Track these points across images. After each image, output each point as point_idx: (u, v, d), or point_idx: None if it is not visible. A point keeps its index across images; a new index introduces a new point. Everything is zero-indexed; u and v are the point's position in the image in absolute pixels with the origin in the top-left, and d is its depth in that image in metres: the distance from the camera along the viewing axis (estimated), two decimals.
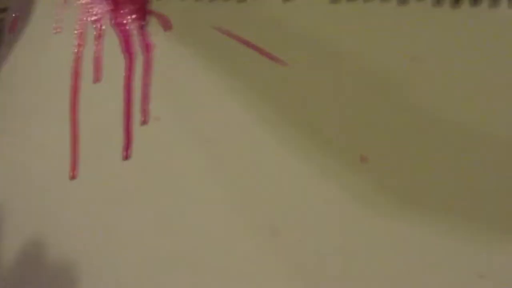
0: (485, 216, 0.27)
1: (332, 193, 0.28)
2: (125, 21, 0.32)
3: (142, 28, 0.32)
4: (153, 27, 0.32)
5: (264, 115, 0.29)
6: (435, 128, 0.28)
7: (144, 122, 0.30)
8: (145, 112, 0.30)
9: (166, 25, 0.32)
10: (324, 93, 0.29)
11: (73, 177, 0.31)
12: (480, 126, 0.27)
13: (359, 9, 0.30)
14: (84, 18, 0.33)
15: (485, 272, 0.26)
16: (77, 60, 0.32)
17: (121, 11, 0.32)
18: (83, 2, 0.33)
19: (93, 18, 0.33)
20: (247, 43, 0.30)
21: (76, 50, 0.32)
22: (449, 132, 0.28)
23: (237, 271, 0.28)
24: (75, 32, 0.33)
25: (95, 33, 0.32)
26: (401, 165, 0.27)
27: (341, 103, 0.29)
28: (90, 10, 0.33)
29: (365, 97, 0.29)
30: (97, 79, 0.32)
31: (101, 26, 0.33)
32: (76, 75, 0.32)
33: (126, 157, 0.30)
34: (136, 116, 0.31)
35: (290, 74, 0.29)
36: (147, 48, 0.32)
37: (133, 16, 0.32)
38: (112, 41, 0.32)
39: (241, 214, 0.28)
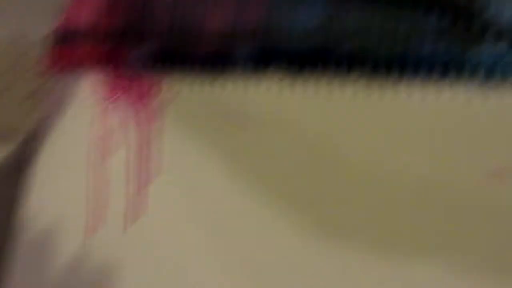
0: None
1: None
2: (137, 100, 0.41)
3: (149, 104, 0.40)
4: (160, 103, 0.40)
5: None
6: None
7: None
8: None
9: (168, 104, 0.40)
10: None
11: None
12: None
13: None
14: (105, 98, 0.42)
15: None
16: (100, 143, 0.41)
17: (138, 92, 0.41)
18: (103, 82, 0.42)
19: (113, 97, 0.41)
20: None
21: (96, 131, 0.41)
22: None
23: None
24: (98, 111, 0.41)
25: (114, 114, 0.41)
26: None
27: None
28: (110, 90, 0.41)
29: None
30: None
31: (120, 106, 0.41)
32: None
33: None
34: None
35: None
36: (152, 120, 0.40)
37: (143, 97, 0.41)
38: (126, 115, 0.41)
39: None
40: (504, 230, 0.33)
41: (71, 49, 0.42)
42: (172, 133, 0.39)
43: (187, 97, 0.39)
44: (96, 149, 0.40)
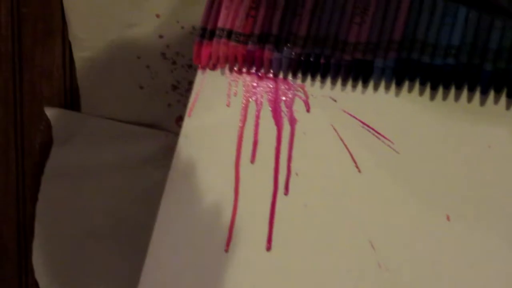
0: None
1: None
2: (278, 100, 0.43)
3: (289, 106, 0.42)
4: (298, 106, 0.42)
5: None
6: None
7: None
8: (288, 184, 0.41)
9: (307, 107, 0.42)
10: None
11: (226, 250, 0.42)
12: None
13: None
14: (248, 95, 0.44)
15: None
16: (240, 136, 0.43)
17: (278, 92, 0.43)
18: (249, 81, 0.44)
19: (255, 96, 0.44)
20: (368, 126, 0.40)
21: (240, 125, 0.44)
22: None
23: None
24: (241, 106, 0.44)
25: (255, 112, 0.43)
26: None
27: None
28: (253, 89, 0.44)
29: None
30: (253, 158, 0.43)
31: (261, 104, 0.43)
32: (238, 154, 0.43)
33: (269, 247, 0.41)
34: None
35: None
36: (292, 122, 0.42)
37: (284, 98, 0.43)
38: (266, 114, 0.43)
39: None
40: None
41: (216, 46, 0.45)
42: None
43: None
44: (241, 143, 0.43)
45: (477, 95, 0.37)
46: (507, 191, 0.35)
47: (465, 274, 0.35)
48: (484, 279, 0.34)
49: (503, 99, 0.36)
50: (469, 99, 0.37)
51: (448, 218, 0.36)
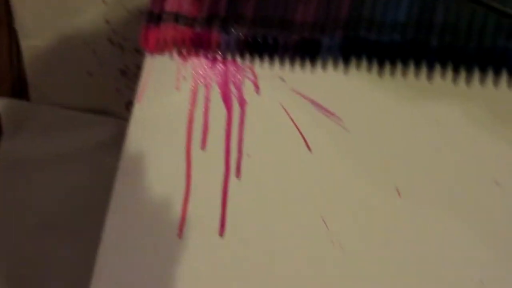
0: None
1: None
2: (227, 82, 0.43)
3: (239, 87, 0.42)
4: (248, 87, 0.42)
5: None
6: None
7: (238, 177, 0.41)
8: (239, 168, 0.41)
9: (256, 88, 0.42)
10: None
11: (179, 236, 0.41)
12: None
13: None
14: (197, 78, 0.44)
15: None
16: (191, 119, 0.43)
17: (227, 74, 0.43)
18: (198, 64, 0.44)
19: (203, 79, 0.43)
20: (318, 104, 0.40)
21: (190, 109, 0.43)
22: None
23: None
24: (191, 89, 0.44)
25: (205, 94, 0.43)
26: None
27: None
28: (203, 72, 0.43)
29: None
30: (204, 142, 0.42)
31: (210, 87, 0.43)
32: (189, 137, 0.43)
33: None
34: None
35: None
36: (241, 103, 0.42)
37: (233, 80, 0.42)
38: (216, 97, 0.43)
39: None
40: None
41: (164, 30, 0.44)
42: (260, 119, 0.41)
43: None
44: (191, 127, 0.42)
45: (424, 71, 0.37)
46: (456, 165, 0.35)
47: (416, 249, 0.35)
48: (436, 254, 0.35)
49: (449, 75, 0.36)
50: (416, 75, 0.37)
51: (399, 194, 0.36)
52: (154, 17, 0.45)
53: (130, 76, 0.51)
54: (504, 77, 0.35)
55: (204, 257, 0.40)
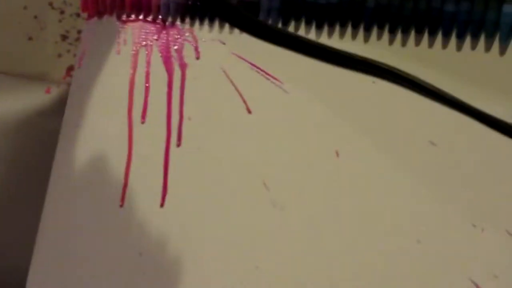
0: None
1: None
2: (168, 45, 0.42)
3: (179, 51, 0.42)
4: (188, 50, 0.42)
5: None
6: None
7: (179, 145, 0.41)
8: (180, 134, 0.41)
9: (196, 51, 0.42)
10: None
11: (121, 205, 0.41)
12: None
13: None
14: (137, 42, 0.43)
15: None
16: (132, 83, 0.42)
17: (167, 38, 0.42)
18: (138, 28, 0.43)
19: (144, 42, 0.43)
20: (257, 67, 0.40)
21: (131, 72, 0.43)
22: None
23: None
24: (131, 53, 0.43)
25: (146, 58, 0.43)
26: None
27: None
28: (143, 36, 0.43)
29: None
30: (145, 106, 0.42)
31: (151, 51, 0.43)
32: (130, 101, 0.42)
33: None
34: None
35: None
36: (182, 67, 0.42)
37: (173, 44, 0.42)
38: (157, 61, 0.43)
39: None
40: None
41: None
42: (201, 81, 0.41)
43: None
44: (132, 92, 0.42)
45: (361, 32, 0.37)
46: (392, 124, 0.36)
47: (354, 207, 0.36)
48: (373, 212, 0.35)
49: (385, 35, 0.37)
50: (354, 36, 0.37)
51: (337, 155, 0.36)
52: None
53: (71, 40, 0.50)
54: (438, 38, 0.36)
55: (145, 227, 0.40)
